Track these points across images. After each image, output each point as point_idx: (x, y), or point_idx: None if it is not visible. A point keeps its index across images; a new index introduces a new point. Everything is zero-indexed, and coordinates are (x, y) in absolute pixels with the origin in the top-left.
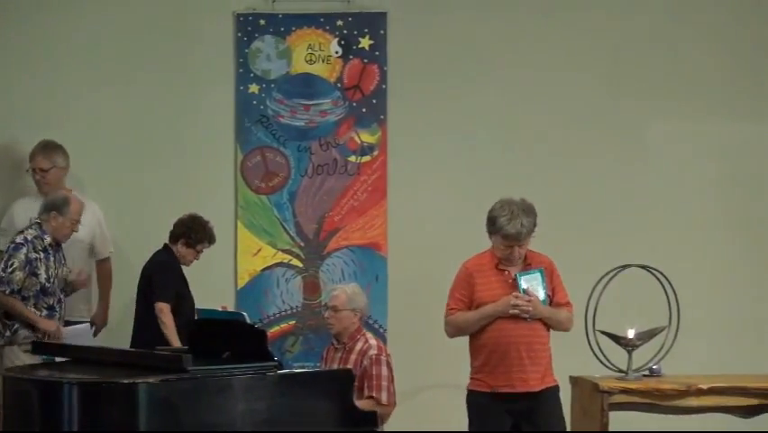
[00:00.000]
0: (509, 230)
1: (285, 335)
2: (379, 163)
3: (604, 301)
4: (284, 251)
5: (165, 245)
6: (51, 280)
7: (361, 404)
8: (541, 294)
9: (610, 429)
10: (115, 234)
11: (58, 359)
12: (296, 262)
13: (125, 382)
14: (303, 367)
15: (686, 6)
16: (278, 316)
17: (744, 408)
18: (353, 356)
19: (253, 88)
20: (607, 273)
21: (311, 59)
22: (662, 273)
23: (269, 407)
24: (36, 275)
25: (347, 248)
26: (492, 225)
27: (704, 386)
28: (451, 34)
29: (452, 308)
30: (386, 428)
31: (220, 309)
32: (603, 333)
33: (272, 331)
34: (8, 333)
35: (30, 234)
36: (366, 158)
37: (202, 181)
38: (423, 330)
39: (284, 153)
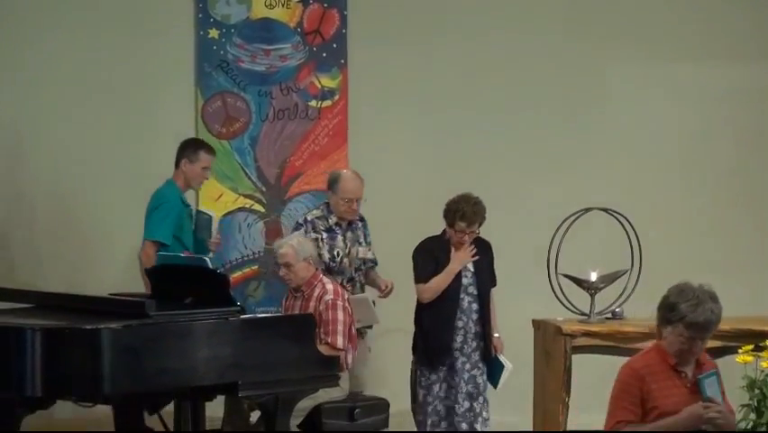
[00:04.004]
0: (697, 318)
1: (247, 280)
2: (339, 108)
3: (566, 245)
4: (246, 196)
5: None
6: (337, 259)
7: (321, 349)
8: (720, 400)
9: (573, 371)
10: (77, 182)
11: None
12: (257, 207)
13: (88, 327)
14: (266, 312)
15: None
16: (240, 261)
17: (707, 350)
18: (312, 303)
19: (213, 33)
20: (568, 217)
21: (271, 4)
22: (624, 216)
23: (233, 352)
24: (319, 255)
25: (309, 192)
26: (671, 311)
27: None
28: None
29: (619, 421)
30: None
31: (182, 255)
32: (565, 276)
33: (235, 276)
34: None
35: (312, 214)
36: (327, 102)
37: (163, 127)
38: (386, 273)
39: (245, 98)
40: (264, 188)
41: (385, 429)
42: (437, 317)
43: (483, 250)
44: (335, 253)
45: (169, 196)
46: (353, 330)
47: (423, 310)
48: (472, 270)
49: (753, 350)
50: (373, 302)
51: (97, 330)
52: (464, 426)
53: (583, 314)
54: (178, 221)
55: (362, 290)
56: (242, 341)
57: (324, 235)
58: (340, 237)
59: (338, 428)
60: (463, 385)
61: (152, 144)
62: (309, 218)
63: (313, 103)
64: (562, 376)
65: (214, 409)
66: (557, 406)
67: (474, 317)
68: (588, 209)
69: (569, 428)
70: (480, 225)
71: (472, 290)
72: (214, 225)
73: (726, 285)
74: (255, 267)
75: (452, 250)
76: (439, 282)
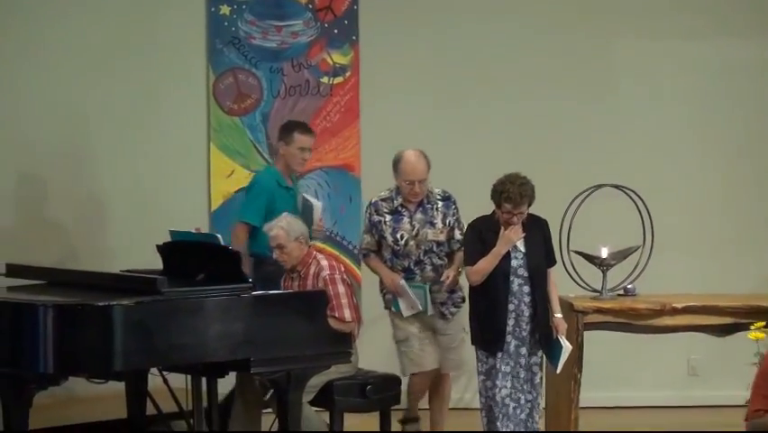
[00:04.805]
0: None
1: None
2: (351, 84)
3: (578, 221)
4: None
5: None
6: (401, 241)
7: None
8: None
9: (584, 348)
10: (89, 159)
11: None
12: None
13: (100, 304)
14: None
15: None
16: None
17: (718, 327)
18: (310, 281)
19: (224, 10)
20: (580, 193)
21: None
22: (635, 193)
23: (245, 328)
24: (384, 238)
25: (320, 169)
26: None
27: (678, 305)
28: None
29: (758, 410)
30: (360, 352)
31: (194, 231)
32: (577, 253)
33: None
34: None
35: (378, 196)
36: (338, 79)
37: (174, 103)
38: None
39: (256, 75)
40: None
41: (396, 406)
42: (489, 300)
43: (536, 228)
44: (399, 235)
45: (261, 179)
46: (355, 301)
47: (475, 293)
48: (523, 250)
49: (765, 327)
50: (430, 290)
51: (109, 307)
52: (518, 411)
53: (595, 291)
54: (269, 204)
55: (434, 274)
56: (253, 317)
57: (388, 218)
58: (406, 219)
59: (350, 405)
60: (521, 370)
61: (164, 120)
62: (373, 201)
63: (324, 79)
64: (575, 353)
65: (226, 386)
66: (569, 383)
67: (526, 299)
68: (599, 186)
69: (581, 404)
70: (528, 205)
71: (522, 271)
72: (317, 213)
73: (737, 261)
74: None
75: (502, 230)
76: (485, 265)
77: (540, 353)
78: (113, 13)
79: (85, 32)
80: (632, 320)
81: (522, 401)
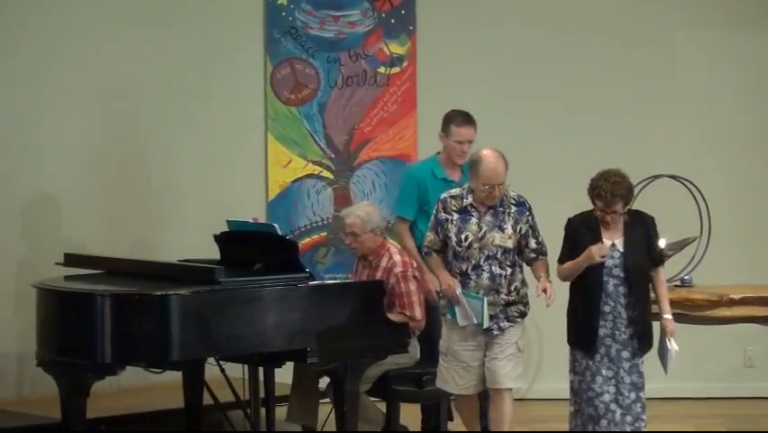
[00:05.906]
0: None
1: (316, 246)
2: (408, 74)
3: None
4: (314, 162)
5: None
6: (464, 243)
7: (394, 317)
8: None
9: None
10: (147, 149)
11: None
12: (326, 173)
13: (157, 293)
14: (334, 279)
15: None
16: (309, 227)
17: None
18: (379, 273)
19: (282, 0)
20: (637, 184)
21: None
22: (692, 183)
23: (302, 318)
24: (448, 237)
25: (377, 159)
26: None
27: (735, 296)
28: None
29: None
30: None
31: (251, 221)
32: None
33: (303, 243)
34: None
35: (449, 193)
36: (395, 69)
37: (231, 93)
38: None
39: (313, 65)
40: (333, 155)
41: (452, 397)
42: (583, 300)
43: (638, 226)
44: (464, 236)
45: (412, 171)
46: (423, 298)
47: (572, 291)
48: (621, 249)
49: None
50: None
51: (166, 296)
52: (629, 418)
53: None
54: (422, 196)
55: (490, 282)
56: (310, 307)
57: (455, 216)
58: (474, 220)
59: (406, 395)
60: (625, 375)
61: (221, 110)
62: (442, 197)
63: (381, 69)
64: None
65: (283, 376)
66: None
67: (623, 301)
68: (656, 176)
69: None
70: (625, 204)
71: (618, 272)
72: None
73: None
74: (324, 233)
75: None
76: (570, 269)
77: (644, 356)
78: (169, 4)
79: (142, 22)
80: (688, 311)
81: (631, 411)
